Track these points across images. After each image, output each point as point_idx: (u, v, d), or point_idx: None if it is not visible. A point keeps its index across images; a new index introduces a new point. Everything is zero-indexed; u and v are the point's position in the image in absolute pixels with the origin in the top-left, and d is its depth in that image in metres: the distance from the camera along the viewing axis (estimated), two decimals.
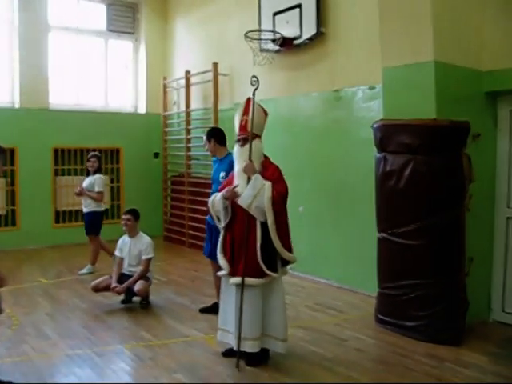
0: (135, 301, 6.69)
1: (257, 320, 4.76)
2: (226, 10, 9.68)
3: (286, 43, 8.00)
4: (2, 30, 10.43)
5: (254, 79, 4.88)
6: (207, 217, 6.18)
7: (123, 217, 6.83)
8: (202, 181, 9.81)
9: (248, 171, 4.74)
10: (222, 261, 4.84)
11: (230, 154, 6.19)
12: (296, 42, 7.92)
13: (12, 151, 10.30)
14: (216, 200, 4.88)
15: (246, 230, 4.69)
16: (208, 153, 6.45)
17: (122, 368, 4.81)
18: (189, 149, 10.44)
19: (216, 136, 6.27)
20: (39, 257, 9.36)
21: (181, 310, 6.50)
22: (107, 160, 11.22)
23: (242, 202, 4.70)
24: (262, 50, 8.27)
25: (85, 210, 8.34)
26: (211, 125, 9.68)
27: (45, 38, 10.60)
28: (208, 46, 10.27)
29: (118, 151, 11.33)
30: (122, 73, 11.86)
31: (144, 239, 6.78)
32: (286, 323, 4.87)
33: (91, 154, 8.64)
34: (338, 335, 5.63)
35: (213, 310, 6.20)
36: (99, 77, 11.49)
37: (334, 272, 7.59)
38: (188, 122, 10.45)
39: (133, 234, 6.80)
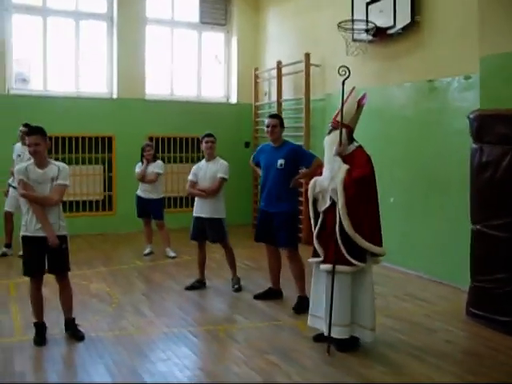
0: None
1: (346, 307, 4.82)
2: (319, 1, 9.69)
3: (379, 33, 7.95)
4: (103, 24, 10.94)
5: (343, 69, 4.87)
6: (262, 204, 6.35)
7: (207, 139, 6.92)
8: None
9: (336, 153, 4.83)
10: (317, 247, 4.93)
11: (287, 142, 6.35)
12: (389, 31, 7.86)
13: (110, 139, 10.82)
14: (321, 180, 4.93)
15: (334, 217, 4.77)
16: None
17: (217, 348, 5.03)
18: None
19: (284, 123, 6.47)
20: (134, 241, 9.77)
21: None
22: (200, 149, 11.50)
23: (321, 183, 4.83)
24: (354, 40, 8.25)
25: (154, 196, 8.58)
26: (302, 115, 9.78)
27: (142, 31, 11.04)
28: (300, 37, 10.33)
29: None
30: (214, 64, 12.14)
31: (221, 161, 6.91)
32: (374, 313, 4.91)
33: (147, 143, 8.98)
34: (428, 326, 5.61)
35: (267, 295, 6.43)
36: (192, 68, 11.83)
37: (423, 263, 7.51)
38: (279, 113, 10.55)
39: (212, 157, 6.94)
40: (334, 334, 4.83)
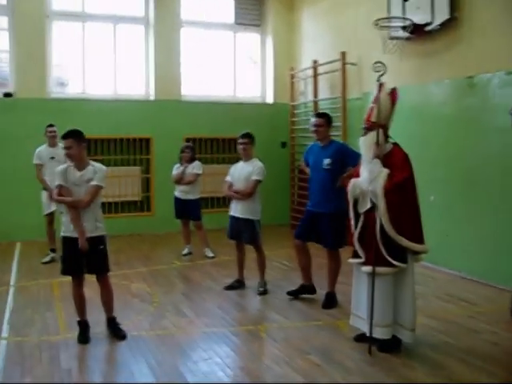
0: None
1: (387, 307, 4.78)
2: None
3: (416, 30, 7.85)
4: (140, 27, 11.07)
5: (378, 65, 4.80)
6: (309, 204, 6.31)
7: (240, 141, 6.83)
8: None
9: (373, 155, 4.76)
10: (359, 249, 4.89)
11: (334, 141, 6.28)
12: (427, 28, 7.75)
13: (147, 141, 10.92)
14: (360, 182, 4.87)
15: (375, 218, 4.71)
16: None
17: (257, 347, 5.03)
18: None
19: (332, 122, 6.34)
20: (172, 241, 9.82)
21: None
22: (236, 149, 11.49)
23: (360, 185, 4.77)
24: (391, 38, 8.16)
25: (192, 196, 8.62)
26: (339, 114, 9.73)
27: (178, 33, 11.13)
28: (335, 36, 10.27)
29: None
30: (249, 64, 12.17)
31: (256, 162, 6.81)
32: (415, 313, 4.85)
33: (186, 145, 8.99)
34: (472, 327, 5.50)
35: (300, 292, 6.43)
36: (228, 68, 11.89)
37: (465, 264, 7.38)
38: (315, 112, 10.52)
39: (248, 158, 6.85)
40: (375, 335, 4.79)
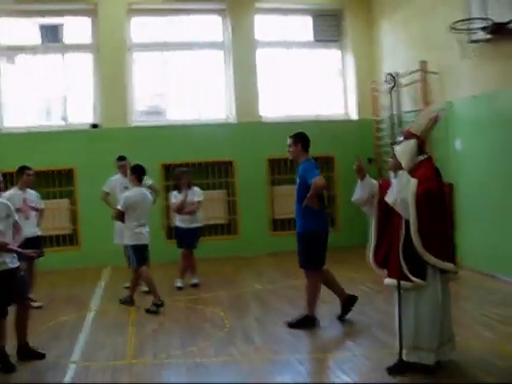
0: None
1: (408, 326, 4.53)
2: (431, 4, 9.14)
3: (498, 30, 7.30)
4: (218, 52, 11.24)
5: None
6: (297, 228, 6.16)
7: None
8: None
9: (390, 167, 4.75)
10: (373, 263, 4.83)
11: (305, 160, 6.10)
12: (510, 25, 7.18)
13: (230, 164, 10.93)
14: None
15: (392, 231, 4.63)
16: None
17: (321, 376, 4.76)
18: None
19: (303, 141, 6.16)
20: (257, 264, 9.73)
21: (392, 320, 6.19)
22: (322, 168, 11.27)
23: (388, 198, 4.63)
24: (471, 41, 7.65)
25: (195, 224, 8.18)
26: None
27: (255, 55, 11.19)
28: (414, 45, 9.79)
29: (331, 159, 11.38)
30: (330, 81, 11.94)
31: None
32: (434, 333, 4.49)
33: (180, 170, 8.56)
34: None
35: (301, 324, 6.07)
36: (309, 87, 11.71)
37: None
38: (400, 125, 10.07)
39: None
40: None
